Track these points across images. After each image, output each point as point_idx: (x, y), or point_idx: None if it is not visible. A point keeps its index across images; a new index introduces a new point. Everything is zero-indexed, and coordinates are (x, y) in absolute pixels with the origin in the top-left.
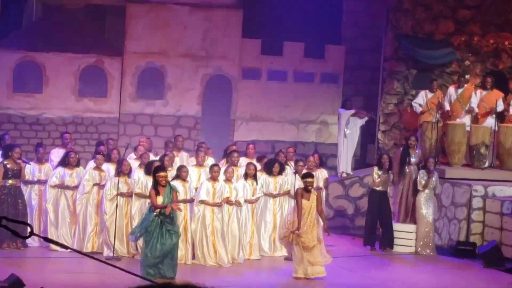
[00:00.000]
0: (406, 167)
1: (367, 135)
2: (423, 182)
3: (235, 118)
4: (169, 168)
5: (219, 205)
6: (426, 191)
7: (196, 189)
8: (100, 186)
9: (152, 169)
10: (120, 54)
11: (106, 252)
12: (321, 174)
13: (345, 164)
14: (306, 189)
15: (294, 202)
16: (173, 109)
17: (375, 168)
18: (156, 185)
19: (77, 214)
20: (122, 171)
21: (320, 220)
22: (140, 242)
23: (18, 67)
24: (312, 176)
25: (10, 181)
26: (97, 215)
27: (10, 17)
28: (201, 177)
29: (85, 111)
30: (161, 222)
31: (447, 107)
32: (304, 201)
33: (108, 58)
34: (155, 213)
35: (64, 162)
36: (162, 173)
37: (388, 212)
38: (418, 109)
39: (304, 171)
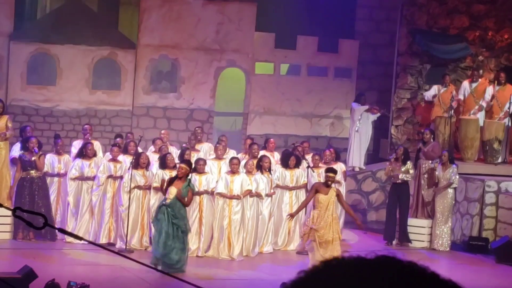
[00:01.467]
0: (419, 162)
1: (380, 129)
2: (433, 176)
3: (248, 111)
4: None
5: (237, 197)
6: (442, 185)
7: (217, 182)
8: (114, 177)
9: (165, 162)
10: (133, 47)
11: (119, 244)
12: (338, 168)
13: (358, 158)
14: (326, 184)
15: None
16: (186, 102)
17: (392, 160)
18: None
19: (93, 206)
20: (140, 164)
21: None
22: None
23: (32, 59)
24: (334, 172)
25: (31, 172)
26: (112, 207)
27: (24, 9)
28: (222, 169)
29: (99, 104)
30: (168, 214)
31: (461, 97)
32: (321, 196)
33: (121, 50)
34: (164, 202)
35: (82, 153)
36: (183, 165)
37: (405, 206)
38: (429, 98)
39: (323, 168)
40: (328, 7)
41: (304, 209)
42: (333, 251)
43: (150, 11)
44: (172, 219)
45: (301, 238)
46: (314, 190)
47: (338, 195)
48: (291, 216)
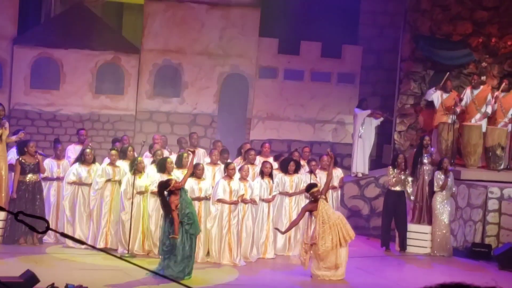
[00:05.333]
0: (419, 167)
1: (383, 135)
2: (441, 183)
3: (251, 116)
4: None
5: (235, 203)
6: (443, 192)
7: (212, 187)
8: (113, 181)
9: (164, 166)
10: (137, 51)
11: (121, 249)
12: (335, 174)
13: (361, 164)
14: (315, 199)
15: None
16: (189, 107)
17: (390, 168)
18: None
19: (91, 210)
20: (138, 169)
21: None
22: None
23: (35, 63)
24: (315, 186)
25: (28, 177)
26: (110, 211)
27: (28, 13)
28: (216, 175)
29: (102, 108)
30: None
31: (464, 103)
32: (314, 213)
33: (125, 55)
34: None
35: (81, 159)
36: (173, 197)
37: (403, 213)
38: (430, 96)
39: (320, 174)
40: (331, 12)
41: (296, 209)
42: (332, 260)
43: (154, 16)
44: (184, 226)
45: (302, 258)
46: (303, 212)
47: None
48: (280, 232)
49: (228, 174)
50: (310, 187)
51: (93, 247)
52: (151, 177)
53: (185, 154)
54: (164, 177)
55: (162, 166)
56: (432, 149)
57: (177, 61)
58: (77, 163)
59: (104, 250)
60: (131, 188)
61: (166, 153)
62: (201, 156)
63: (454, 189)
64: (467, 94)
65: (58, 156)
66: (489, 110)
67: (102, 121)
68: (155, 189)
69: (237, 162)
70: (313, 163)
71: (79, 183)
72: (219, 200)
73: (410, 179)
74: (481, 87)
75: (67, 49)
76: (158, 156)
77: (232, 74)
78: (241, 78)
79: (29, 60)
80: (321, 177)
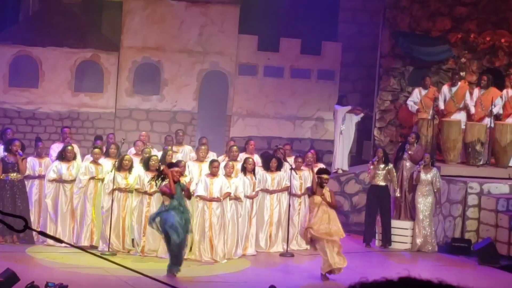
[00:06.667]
0: (400, 163)
1: (363, 131)
2: (415, 177)
3: (231, 114)
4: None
5: (217, 200)
6: (424, 187)
7: (196, 184)
8: (96, 179)
9: (149, 164)
10: (116, 49)
11: (102, 247)
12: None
13: (340, 160)
14: (321, 185)
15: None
16: (169, 104)
17: (371, 162)
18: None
19: (74, 208)
20: (123, 166)
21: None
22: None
23: (14, 62)
24: (328, 173)
25: (12, 175)
26: (94, 209)
27: (7, 11)
28: (203, 171)
29: (81, 106)
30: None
31: (442, 106)
32: (316, 197)
33: (104, 53)
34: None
35: (61, 156)
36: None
37: (387, 208)
38: (414, 108)
39: (321, 165)
40: (311, 9)
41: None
42: (334, 246)
43: (133, 13)
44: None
45: (305, 239)
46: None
47: (331, 194)
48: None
49: (212, 171)
50: (323, 171)
51: (72, 246)
52: (136, 175)
53: (170, 152)
54: (149, 175)
55: (146, 164)
56: (417, 146)
57: (157, 59)
58: (57, 161)
59: (83, 249)
60: (111, 184)
61: (155, 151)
62: (187, 153)
63: (438, 184)
64: (445, 92)
65: (40, 154)
66: (471, 108)
67: (81, 119)
68: (138, 187)
69: (221, 159)
70: (299, 159)
71: (60, 180)
72: (199, 197)
73: (394, 174)
74: (459, 83)
75: (45, 47)
76: (146, 154)
77: (211, 71)
78: (220, 75)
79: (7, 58)
80: (304, 174)
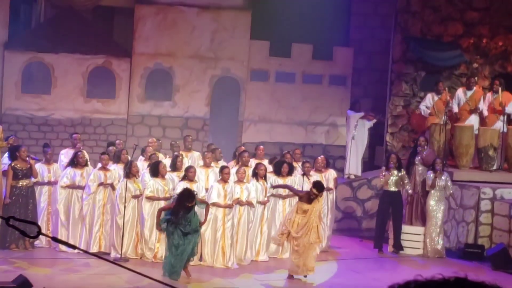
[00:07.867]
0: (411, 168)
1: (376, 137)
2: (429, 183)
3: (243, 119)
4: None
5: (230, 206)
6: (437, 193)
7: (206, 190)
8: (105, 185)
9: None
10: (128, 55)
11: (114, 253)
12: (330, 175)
13: (354, 166)
14: (309, 198)
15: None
16: (181, 110)
17: (384, 168)
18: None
19: (84, 215)
20: (132, 173)
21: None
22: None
23: (26, 68)
24: (319, 190)
25: (21, 182)
26: (103, 215)
27: (19, 18)
28: (210, 177)
29: (94, 112)
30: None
31: (455, 109)
32: (305, 205)
33: (116, 59)
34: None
35: (73, 163)
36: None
37: (399, 214)
38: (426, 112)
39: (314, 176)
40: (322, 15)
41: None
42: (308, 257)
43: (144, 20)
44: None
45: (275, 239)
46: (302, 198)
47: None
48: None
49: (223, 178)
50: (314, 185)
51: (86, 252)
52: (145, 182)
53: (180, 158)
54: (158, 181)
55: (155, 170)
56: (428, 149)
57: (168, 65)
58: (69, 167)
59: (96, 255)
60: (124, 191)
61: (161, 156)
62: (196, 159)
63: (451, 190)
64: (460, 96)
65: (48, 160)
66: (485, 112)
67: (93, 125)
68: (150, 194)
69: (231, 165)
70: (307, 164)
71: (73, 186)
72: (214, 204)
73: (406, 180)
74: (474, 88)
75: (58, 53)
76: (153, 160)
77: (223, 77)
78: (232, 81)
79: (20, 65)
80: (313, 179)
